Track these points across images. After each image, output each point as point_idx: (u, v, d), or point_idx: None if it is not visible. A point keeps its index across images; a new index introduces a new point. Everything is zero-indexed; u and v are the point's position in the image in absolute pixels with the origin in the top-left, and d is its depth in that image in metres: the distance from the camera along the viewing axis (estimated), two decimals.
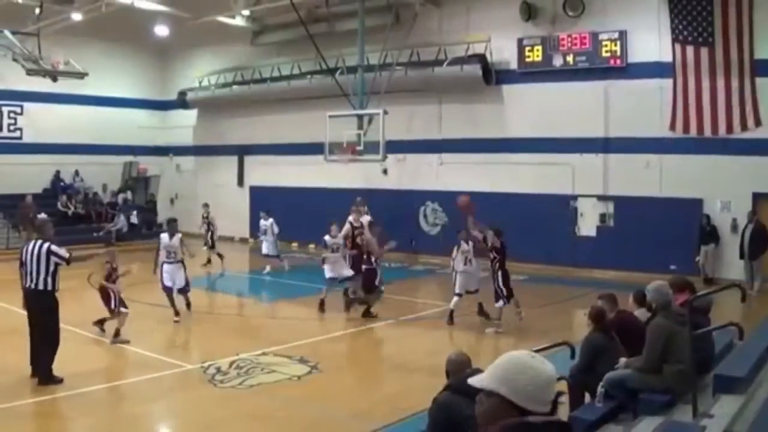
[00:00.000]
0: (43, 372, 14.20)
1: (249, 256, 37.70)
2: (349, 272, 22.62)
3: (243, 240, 40.66)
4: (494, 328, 19.26)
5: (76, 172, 42.17)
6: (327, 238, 22.91)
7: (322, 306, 22.40)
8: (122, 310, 18.83)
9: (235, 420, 12.80)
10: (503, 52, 31.39)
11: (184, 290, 20.95)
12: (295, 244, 38.31)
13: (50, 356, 14.29)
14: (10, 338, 15.40)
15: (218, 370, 15.48)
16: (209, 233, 31.85)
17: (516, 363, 4.12)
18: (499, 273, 19.39)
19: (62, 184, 41.58)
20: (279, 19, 36.90)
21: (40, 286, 14.31)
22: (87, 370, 16.01)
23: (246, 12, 36.44)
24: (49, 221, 17.56)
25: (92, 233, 35.91)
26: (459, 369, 7.62)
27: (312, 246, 37.07)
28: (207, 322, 21.42)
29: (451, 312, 20.05)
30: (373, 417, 12.75)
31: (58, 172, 41.66)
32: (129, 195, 42.56)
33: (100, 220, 39.81)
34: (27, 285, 14.45)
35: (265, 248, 30.50)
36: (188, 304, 21.34)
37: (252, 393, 14.07)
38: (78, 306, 20.25)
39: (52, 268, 14.33)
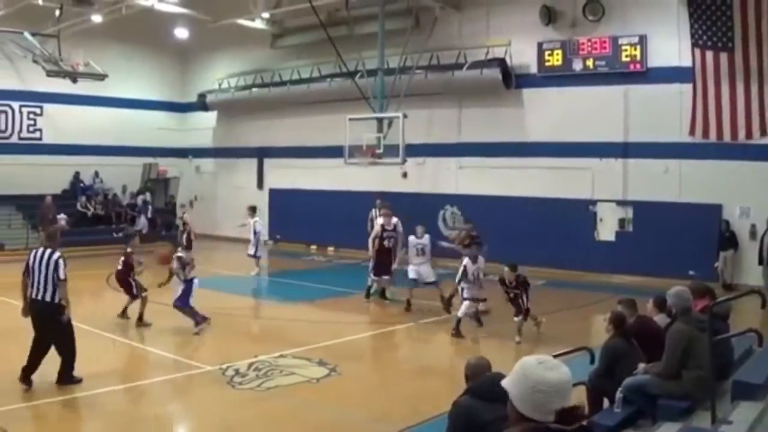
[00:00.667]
0: (63, 373, 14.07)
1: (267, 258, 37.75)
2: (431, 278, 22.85)
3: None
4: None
5: (96, 173, 42.30)
6: (411, 238, 22.99)
7: (408, 305, 22.85)
8: (143, 294, 19.74)
9: (254, 422, 12.86)
10: (523, 55, 31.36)
11: (174, 304, 19.70)
12: (314, 247, 38.44)
13: (69, 361, 14.15)
14: (27, 339, 15.41)
15: (237, 371, 15.47)
16: (184, 235, 31.64)
17: (523, 368, 4.17)
18: (525, 300, 19.20)
19: (82, 185, 41.66)
20: (299, 22, 37.02)
21: (47, 298, 13.90)
22: (105, 370, 16.05)
23: (266, 15, 36.58)
24: (58, 229, 17.20)
25: (111, 234, 35.91)
26: (479, 373, 7.58)
27: (331, 249, 37.16)
28: (224, 324, 21.43)
29: (459, 321, 19.54)
30: (392, 420, 12.76)
31: (77, 173, 41.78)
32: (148, 196, 42.62)
33: (119, 221, 39.85)
34: (34, 296, 13.96)
35: (251, 248, 30.26)
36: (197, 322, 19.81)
37: (271, 395, 14.08)
38: (96, 306, 20.41)
39: (60, 276, 13.90)
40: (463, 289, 19.97)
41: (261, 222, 30.46)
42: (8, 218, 37.42)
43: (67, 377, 14.10)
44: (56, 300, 13.96)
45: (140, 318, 19.81)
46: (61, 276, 13.89)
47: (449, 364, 16.55)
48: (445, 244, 23.18)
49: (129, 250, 20.38)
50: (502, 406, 5.46)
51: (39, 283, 13.86)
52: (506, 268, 19.43)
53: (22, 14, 32.98)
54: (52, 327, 13.96)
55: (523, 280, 19.33)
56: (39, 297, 13.89)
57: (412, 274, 22.97)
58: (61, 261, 13.97)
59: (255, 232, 29.87)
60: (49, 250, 14.12)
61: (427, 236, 23.46)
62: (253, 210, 30.51)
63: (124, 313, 20.10)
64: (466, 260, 20.18)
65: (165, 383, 15.08)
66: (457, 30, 33.48)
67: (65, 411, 13.26)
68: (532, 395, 4.07)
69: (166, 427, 13.22)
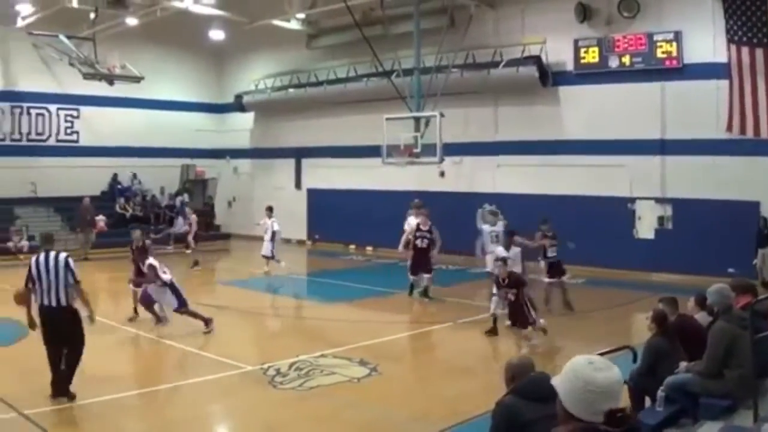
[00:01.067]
0: (65, 383, 13.35)
1: (306, 258, 37.90)
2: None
3: (300, 242, 40.81)
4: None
5: (134, 175, 42.66)
6: (486, 227, 23.07)
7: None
8: (130, 287, 20.56)
9: (297, 422, 12.94)
10: (559, 53, 31.27)
11: (178, 310, 19.41)
12: (352, 247, 38.48)
13: (74, 370, 13.49)
14: None
15: (278, 371, 15.57)
16: (190, 235, 31.97)
17: (573, 368, 4.20)
18: (526, 301, 18.24)
19: (119, 186, 42.03)
20: (334, 22, 37.15)
21: (62, 302, 13.30)
22: (145, 371, 16.48)
23: (301, 15, 36.64)
24: (53, 234, 16.21)
25: (149, 235, 35.93)
26: (522, 373, 7.56)
27: (369, 248, 37.14)
28: (264, 324, 21.60)
29: (495, 319, 19.28)
30: (432, 420, 12.79)
31: (115, 175, 42.20)
32: (187, 197, 42.82)
33: (158, 222, 39.98)
34: (46, 303, 13.26)
35: (265, 249, 30.03)
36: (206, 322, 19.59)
37: (312, 395, 14.16)
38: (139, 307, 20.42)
39: (70, 280, 13.38)
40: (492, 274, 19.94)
41: (278, 222, 30.21)
42: (47, 220, 37.67)
43: (65, 388, 13.41)
44: (70, 303, 13.46)
45: (135, 310, 20.37)
46: (77, 278, 13.50)
47: (488, 364, 16.50)
48: (518, 238, 23.06)
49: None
50: (545, 405, 5.50)
51: (50, 288, 13.23)
52: (498, 262, 19.07)
53: (58, 17, 33.36)
54: (68, 332, 13.38)
55: (516, 278, 18.48)
56: (52, 303, 13.28)
57: (489, 266, 22.92)
58: (71, 261, 13.58)
59: (273, 233, 29.76)
60: (53, 253, 13.55)
61: (501, 223, 23.48)
62: (270, 210, 30.46)
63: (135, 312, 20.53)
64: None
65: (206, 383, 15.08)
66: (492, 28, 33.45)
67: (104, 412, 13.28)
68: (581, 395, 4.10)
69: (209, 428, 13.40)
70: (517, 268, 19.84)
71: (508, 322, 18.54)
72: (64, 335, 13.32)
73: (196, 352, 17.58)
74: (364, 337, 18.87)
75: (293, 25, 37.59)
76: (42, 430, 12.00)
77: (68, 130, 41.01)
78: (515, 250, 20.23)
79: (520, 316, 18.06)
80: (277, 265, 29.64)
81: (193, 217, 32.93)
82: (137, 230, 22.68)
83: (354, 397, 14.19)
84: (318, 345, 18.08)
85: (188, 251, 32.11)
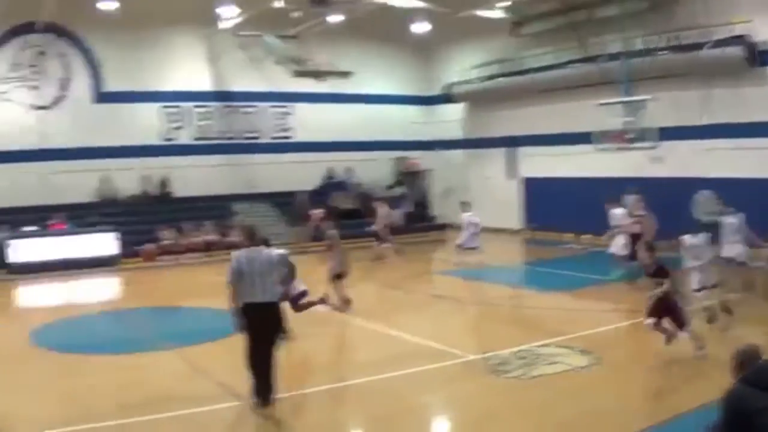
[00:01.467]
0: (271, 393, 13.14)
1: (522, 247, 38.08)
2: (742, 258, 22.11)
3: (514, 231, 40.89)
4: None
5: (348, 169, 43.63)
6: (728, 218, 22.74)
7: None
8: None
9: (518, 409, 13.16)
10: None
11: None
12: (569, 235, 38.43)
13: (274, 368, 13.21)
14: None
15: (501, 360, 15.80)
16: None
17: None
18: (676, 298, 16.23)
19: (334, 180, 43.10)
20: (537, 8, 36.95)
21: (271, 298, 13.13)
22: (368, 360, 17.04)
23: (504, 3, 36.60)
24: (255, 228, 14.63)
25: (362, 228, 36.32)
26: (750, 360, 7.58)
27: (587, 236, 36.84)
28: (485, 313, 21.81)
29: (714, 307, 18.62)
30: (654, 411, 12.88)
31: (329, 169, 43.27)
32: (405, 190, 43.54)
33: (372, 215, 40.47)
34: (254, 300, 12.88)
35: (468, 241, 30.16)
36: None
37: (535, 383, 14.34)
38: (359, 297, 20.92)
39: (281, 276, 13.64)
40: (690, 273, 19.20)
41: (475, 215, 30.33)
42: (264, 215, 38.91)
43: (269, 394, 13.17)
44: (274, 300, 13.24)
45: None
46: (294, 274, 13.81)
47: (709, 355, 16.07)
48: (751, 236, 22.52)
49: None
50: None
51: (253, 285, 12.88)
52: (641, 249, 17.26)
53: (262, 18, 34.46)
54: (275, 329, 13.29)
55: (660, 269, 16.07)
56: (262, 300, 12.95)
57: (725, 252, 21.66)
58: (288, 257, 13.85)
59: (473, 224, 30.02)
60: (258, 249, 13.39)
61: (740, 215, 22.95)
62: (465, 204, 30.73)
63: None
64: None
65: (428, 372, 15.45)
66: (698, 8, 32.49)
67: (330, 399, 14.04)
68: None
69: (433, 415, 13.73)
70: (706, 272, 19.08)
71: (650, 320, 16.30)
72: (267, 334, 13.14)
73: (417, 341, 17.97)
74: (583, 326, 18.95)
75: (496, 13, 37.47)
76: (269, 419, 12.68)
77: (281, 127, 42.51)
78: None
79: (673, 313, 15.97)
80: (470, 254, 29.79)
81: (381, 211, 33.47)
82: (332, 230, 23.29)
83: (576, 386, 14.29)
84: (537, 334, 18.35)
85: (385, 245, 33.16)
